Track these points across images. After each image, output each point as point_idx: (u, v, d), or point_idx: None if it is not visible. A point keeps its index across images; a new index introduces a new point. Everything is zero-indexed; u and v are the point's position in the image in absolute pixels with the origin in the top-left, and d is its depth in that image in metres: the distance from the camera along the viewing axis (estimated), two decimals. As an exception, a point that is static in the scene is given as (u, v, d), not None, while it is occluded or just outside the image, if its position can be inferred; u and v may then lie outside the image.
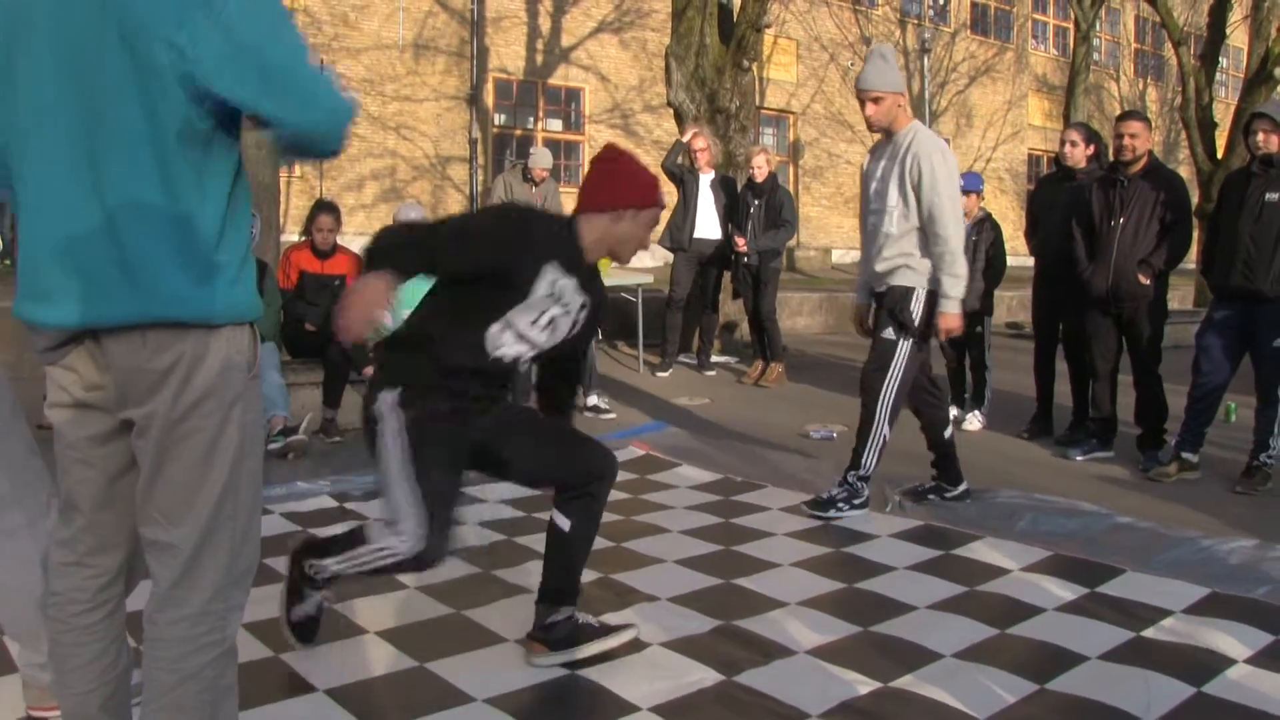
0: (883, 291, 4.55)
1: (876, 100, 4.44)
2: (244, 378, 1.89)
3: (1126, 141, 5.46)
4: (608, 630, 3.03)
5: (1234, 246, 5.12)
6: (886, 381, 4.49)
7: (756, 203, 8.37)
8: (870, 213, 4.61)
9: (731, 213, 8.68)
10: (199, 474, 1.86)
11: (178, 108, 1.73)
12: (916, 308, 4.44)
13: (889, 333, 4.50)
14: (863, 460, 4.59)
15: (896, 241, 4.46)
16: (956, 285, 4.38)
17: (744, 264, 8.46)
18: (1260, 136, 5.10)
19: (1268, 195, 5.04)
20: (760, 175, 8.39)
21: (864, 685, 2.84)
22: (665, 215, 7.23)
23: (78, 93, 1.74)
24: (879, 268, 4.53)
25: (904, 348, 4.47)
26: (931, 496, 4.84)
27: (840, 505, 4.56)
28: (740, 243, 8.38)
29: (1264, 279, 5.01)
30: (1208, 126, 15.40)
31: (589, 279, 2.94)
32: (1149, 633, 3.23)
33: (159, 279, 1.76)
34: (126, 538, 2.00)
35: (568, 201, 17.44)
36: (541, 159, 9.11)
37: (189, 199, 1.78)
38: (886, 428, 4.54)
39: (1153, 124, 5.49)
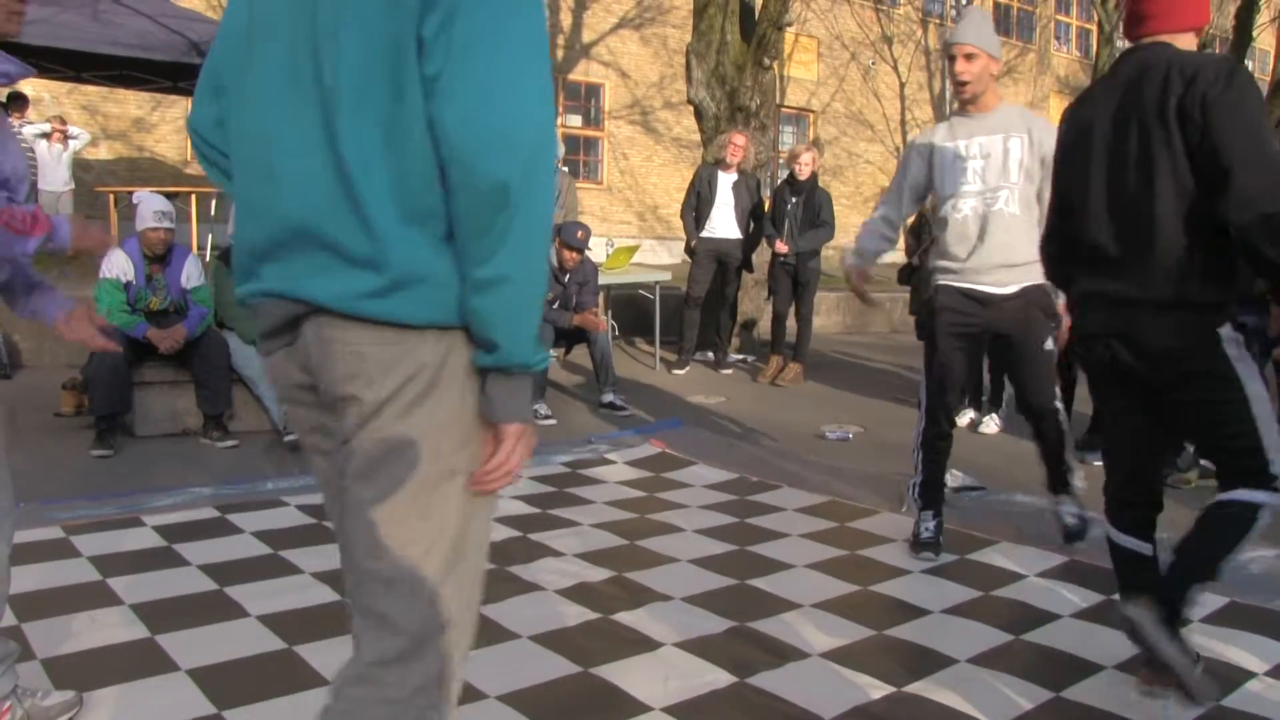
0: (1008, 295, 3.92)
1: (970, 56, 3.85)
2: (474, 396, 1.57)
3: None
4: None
5: None
6: (1058, 391, 4.07)
7: (794, 200, 8.32)
8: (968, 196, 3.92)
9: (754, 213, 8.68)
10: (424, 522, 1.55)
11: None
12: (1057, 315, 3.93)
13: (1049, 343, 3.96)
14: (1071, 481, 4.14)
15: (1024, 228, 3.85)
16: None
17: (781, 263, 8.42)
18: None
19: None
20: (803, 173, 8.34)
21: (877, 689, 2.83)
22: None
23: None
24: (1013, 259, 3.86)
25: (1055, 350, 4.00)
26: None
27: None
28: (781, 246, 8.32)
29: None
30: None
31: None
32: (1166, 642, 3.19)
33: None
34: None
35: (584, 197, 17.34)
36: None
37: None
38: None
39: None
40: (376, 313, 1.46)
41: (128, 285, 5.54)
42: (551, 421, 6.52)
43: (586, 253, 7.07)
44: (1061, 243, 2.90)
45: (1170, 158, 2.56)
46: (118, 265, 5.54)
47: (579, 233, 6.84)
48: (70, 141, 11.82)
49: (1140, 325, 2.64)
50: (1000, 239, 3.89)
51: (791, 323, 8.67)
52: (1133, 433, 2.85)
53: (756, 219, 8.74)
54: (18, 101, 11.54)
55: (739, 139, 8.67)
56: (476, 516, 1.59)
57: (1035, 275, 3.66)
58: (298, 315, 1.52)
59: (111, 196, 11.03)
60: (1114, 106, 2.71)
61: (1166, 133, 2.56)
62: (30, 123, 11.80)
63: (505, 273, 1.45)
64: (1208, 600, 3.52)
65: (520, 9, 1.44)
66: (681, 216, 8.95)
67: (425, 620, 1.53)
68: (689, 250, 8.87)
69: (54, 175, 11.71)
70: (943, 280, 4.07)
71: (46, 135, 11.65)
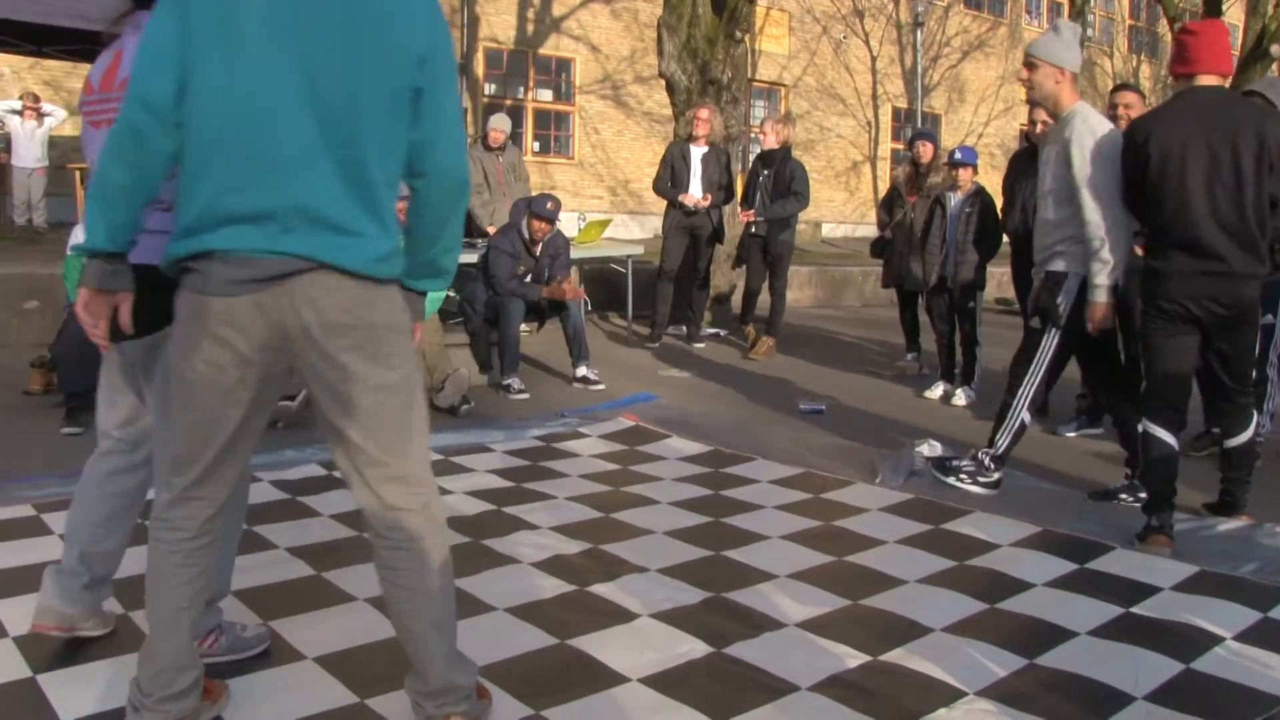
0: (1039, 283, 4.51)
1: (1030, 66, 4.38)
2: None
3: (1121, 112, 5.46)
4: None
5: None
6: (1030, 370, 4.48)
7: (766, 172, 8.32)
8: (1037, 197, 4.59)
9: (723, 184, 8.68)
10: (405, 415, 2.23)
11: None
12: (1064, 298, 4.35)
13: (1035, 321, 4.50)
14: (996, 440, 4.60)
15: (1053, 228, 4.37)
16: (1101, 272, 4.19)
17: (752, 234, 8.42)
18: None
19: None
20: (767, 143, 8.34)
21: (853, 658, 2.84)
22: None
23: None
24: (1036, 256, 4.52)
25: (1049, 338, 4.43)
26: (1124, 496, 4.52)
27: (962, 476, 4.62)
28: (744, 215, 8.34)
29: None
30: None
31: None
32: (1138, 609, 3.23)
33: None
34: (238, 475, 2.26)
35: (555, 172, 17.24)
36: (498, 122, 8.85)
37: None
38: (1026, 414, 4.56)
39: (1146, 101, 5.60)
40: (377, 274, 2.09)
41: (95, 261, 5.46)
42: (525, 396, 6.51)
43: (558, 226, 7.04)
44: (1157, 226, 3.94)
45: (1258, 182, 3.77)
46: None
47: (549, 204, 6.81)
48: (45, 119, 11.67)
49: (1232, 289, 3.82)
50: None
51: (765, 296, 8.68)
52: (1186, 363, 3.99)
53: (727, 189, 8.74)
54: (-23, 76, 11.37)
55: (704, 113, 8.67)
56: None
57: (1054, 262, 4.38)
58: (296, 270, 2.02)
59: (78, 173, 10.87)
60: (1207, 136, 3.79)
61: (1258, 165, 3.76)
62: (-6, 99, 11.64)
63: (455, 239, 2.35)
64: (1178, 569, 3.57)
65: (452, 53, 2.23)
66: (657, 191, 8.92)
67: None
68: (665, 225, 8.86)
69: (27, 152, 11.56)
70: None
71: (18, 112, 11.49)
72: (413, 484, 2.22)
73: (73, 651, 2.75)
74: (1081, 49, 4.40)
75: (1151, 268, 3.96)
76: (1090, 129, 4.23)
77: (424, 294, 2.38)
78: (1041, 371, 4.48)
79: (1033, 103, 4.46)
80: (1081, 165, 4.19)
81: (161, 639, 2.19)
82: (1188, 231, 3.84)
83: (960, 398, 6.74)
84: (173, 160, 2.06)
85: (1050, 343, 4.44)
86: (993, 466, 4.59)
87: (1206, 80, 3.92)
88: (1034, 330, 4.50)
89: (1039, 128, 6.15)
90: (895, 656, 2.86)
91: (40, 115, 11.62)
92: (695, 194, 8.56)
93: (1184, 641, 2.98)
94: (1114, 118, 5.50)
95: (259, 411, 2.20)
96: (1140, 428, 4.06)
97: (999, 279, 12.39)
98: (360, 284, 2.07)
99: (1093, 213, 4.17)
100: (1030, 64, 4.37)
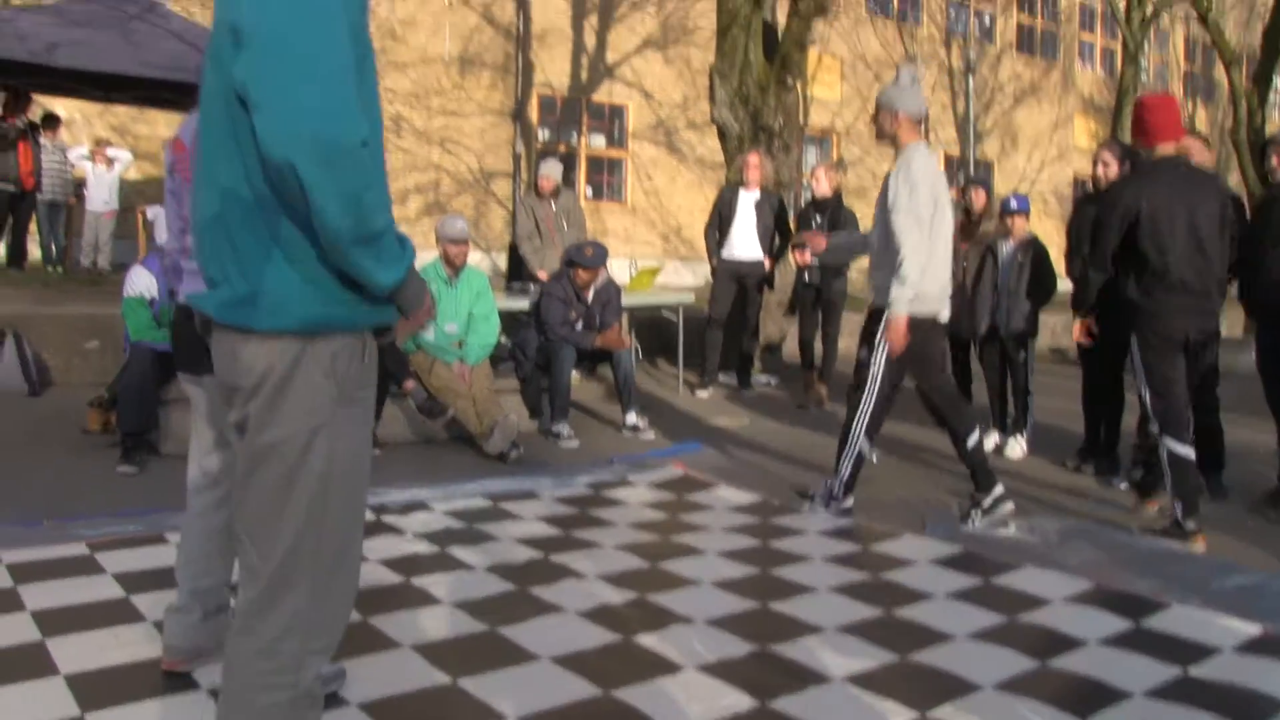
0: (876, 309, 4.84)
1: (875, 109, 4.82)
2: (330, 400, 1.80)
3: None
4: None
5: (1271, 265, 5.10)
6: (862, 400, 4.84)
7: (819, 218, 8.31)
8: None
9: (780, 229, 8.69)
10: (279, 496, 1.79)
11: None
12: (881, 329, 4.72)
13: (863, 353, 4.85)
14: (839, 466, 4.94)
15: (879, 260, 4.77)
16: (900, 289, 4.56)
17: (806, 283, 8.40)
18: (1275, 160, 5.32)
19: None
20: (820, 190, 8.34)
21: (900, 715, 2.80)
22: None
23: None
24: (874, 278, 4.87)
25: (875, 366, 4.78)
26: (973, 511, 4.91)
27: (813, 500, 5.03)
28: (798, 256, 8.32)
29: None
30: (1260, 149, 15.17)
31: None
32: (1196, 670, 3.15)
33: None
34: None
35: (608, 217, 17.29)
36: (547, 168, 8.72)
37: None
38: (864, 441, 4.87)
39: (1211, 145, 5.63)
40: (234, 320, 1.77)
41: (152, 302, 5.56)
42: (574, 444, 6.52)
43: (607, 272, 7.07)
44: (1151, 271, 4.62)
45: (1222, 236, 4.72)
46: (141, 283, 5.56)
47: (587, 250, 6.83)
48: (114, 164, 12.08)
49: (1211, 320, 4.75)
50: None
51: (817, 344, 8.64)
52: (1184, 379, 4.70)
53: (782, 235, 8.73)
54: (50, 121, 11.70)
55: (753, 158, 8.70)
56: (332, 506, 1.82)
57: (881, 296, 4.72)
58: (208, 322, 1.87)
59: (140, 216, 11.15)
60: (1183, 195, 4.59)
61: (1221, 224, 4.70)
62: (64, 145, 11.97)
63: (331, 232, 1.67)
64: (1238, 628, 3.48)
65: (304, 22, 1.65)
66: (705, 237, 8.97)
67: (277, 567, 1.83)
68: (714, 272, 8.88)
69: (97, 195, 11.96)
70: None
71: (89, 157, 11.91)
72: (265, 612, 1.80)
73: (120, 690, 2.78)
74: (920, 94, 4.77)
75: (1149, 307, 4.64)
76: (908, 162, 4.62)
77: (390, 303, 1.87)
78: (874, 400, 4.79)
79: (881, 138, 4.85)
80: (896, 197, 4.58)
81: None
82: (1184, 274, 4.59)
83: (1014, 448, 6.63)
84: None
85: (877, 370, 4.76)
86: (841, 494, 4.94)
87: (1164, 148, 4.66)
88: (862, 363, 4.84)
89: (1100, 169, 6.08)
90: (944, 714, 2.81)
91: (109, 160, 12.01)
92: (745, 242, 8.58)
93: (1246, 707, 2.89)
94: None
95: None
96: (1165, 449, 4.61)
97: (1053, 328, 12.25)
98: (240, 335, 1.78)
99: (903, 237, 4.54)
100: (875, 107, 4.80)
